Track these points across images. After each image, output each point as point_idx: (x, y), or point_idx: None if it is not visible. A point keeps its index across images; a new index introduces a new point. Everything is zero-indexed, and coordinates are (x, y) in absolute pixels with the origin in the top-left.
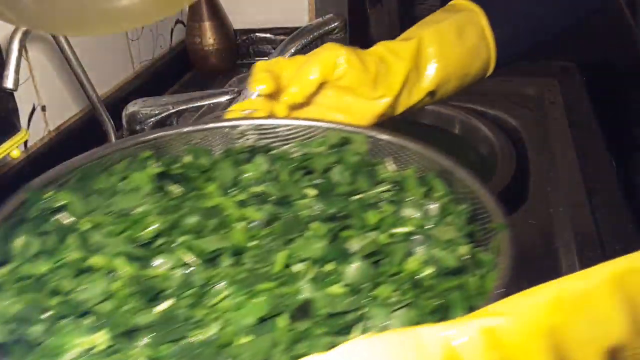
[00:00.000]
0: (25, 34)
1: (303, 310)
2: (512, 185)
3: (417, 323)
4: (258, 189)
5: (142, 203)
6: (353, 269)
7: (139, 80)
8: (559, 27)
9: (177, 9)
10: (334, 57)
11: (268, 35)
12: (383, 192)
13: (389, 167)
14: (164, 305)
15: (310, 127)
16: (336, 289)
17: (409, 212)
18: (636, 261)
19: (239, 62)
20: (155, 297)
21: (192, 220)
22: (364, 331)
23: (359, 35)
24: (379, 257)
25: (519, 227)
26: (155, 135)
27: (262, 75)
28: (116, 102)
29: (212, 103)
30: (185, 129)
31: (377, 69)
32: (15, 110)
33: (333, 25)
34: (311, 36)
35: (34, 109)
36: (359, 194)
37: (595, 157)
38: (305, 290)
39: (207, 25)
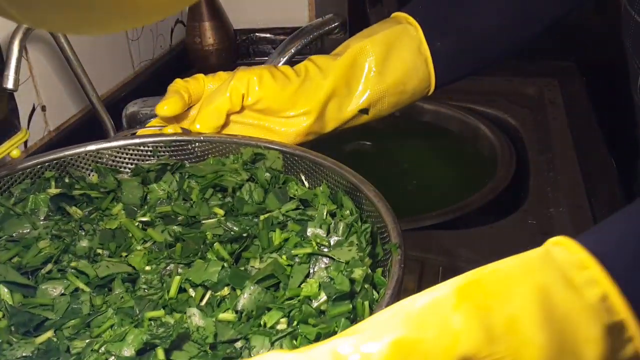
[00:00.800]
0: (26, 34)
1: (185, 340)
2: (512, 185)
3: None
4: (166, 208)
5: (38, 227)
6: (247, 294)
7: (139, 80)
8: (506, 43)
9: (179, 9)
10: (244, 86)
11: (268, 35)
12: (291, 210)
13: (302, 184)
14: (43, 337)
15: (224, 142)
16: (226, 315)
17: (314, 231)
18: (481, 271)
19: (239, 62)
20: (38, 326)
21: (87, 244)
22: None
23: None
24: (278, 280)
25: (519, 227)
26: (62, 154)
27: (170, 95)
28: (116, 102)
29: None
30: (94, 147)
31: (299, 87)
32: (15, 110)
33: (333, 25)
34: (311, 36)
35: (34, 109)
36: (267, 212)
37: (595, 157)
38: (194, 318)
39: (207, 25)
